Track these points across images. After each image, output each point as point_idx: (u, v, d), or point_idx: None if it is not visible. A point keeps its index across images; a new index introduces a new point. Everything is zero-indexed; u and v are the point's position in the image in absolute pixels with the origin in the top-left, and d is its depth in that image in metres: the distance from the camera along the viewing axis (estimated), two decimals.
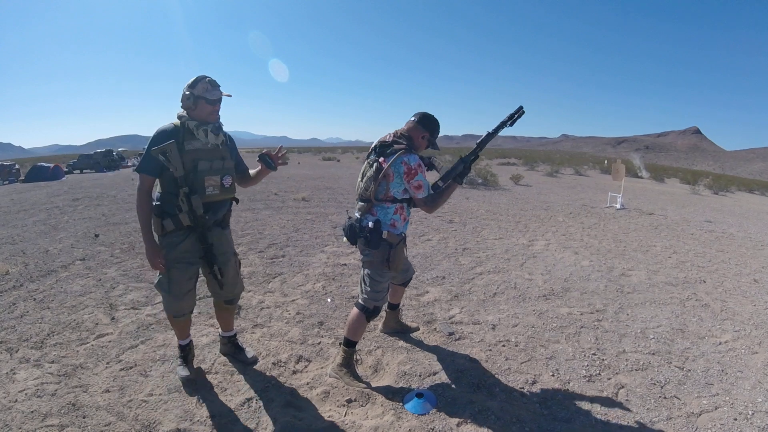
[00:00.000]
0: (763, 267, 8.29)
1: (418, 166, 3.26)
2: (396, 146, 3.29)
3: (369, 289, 3.45)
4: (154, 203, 3.23)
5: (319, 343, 4.12)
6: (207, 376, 3.55)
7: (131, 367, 3.64)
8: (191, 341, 3.63)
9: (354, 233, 3.35)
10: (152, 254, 3.17)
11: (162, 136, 3.09)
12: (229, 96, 3.22)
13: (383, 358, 3.89)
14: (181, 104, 3.18)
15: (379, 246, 3.29)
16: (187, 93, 3.11)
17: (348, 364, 3.53)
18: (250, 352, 3.83)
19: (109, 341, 4.06)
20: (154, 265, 3.20)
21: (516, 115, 3.40)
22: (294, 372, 3.64)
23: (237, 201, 3.55)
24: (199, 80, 3.11)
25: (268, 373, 3.60)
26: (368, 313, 3.47)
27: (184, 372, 3.48)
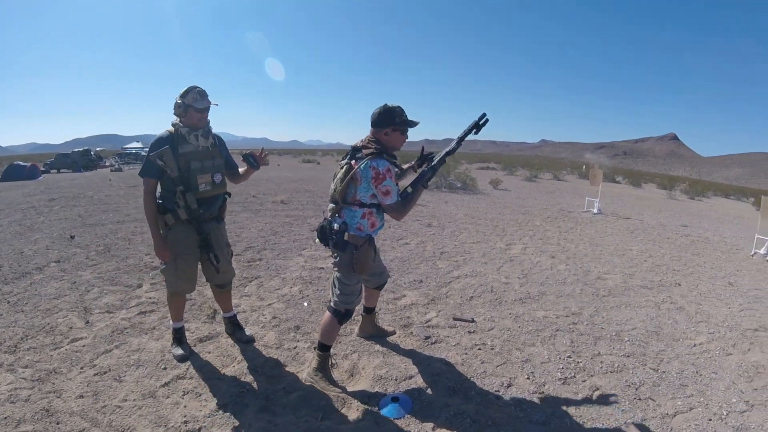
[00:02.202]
0: (737, 270, 8.45)
1: (387, 171, 3.19)
2: (365, 150, 3.27)
3: (338, 291, 3.44)
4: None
5: (295, 348, 4.10)
6: (181, 381, 3.52)
7: (105, 372, 3.59)
8: (183, 326, 4.06)
9: (324, 235, 3.36)
10: (160, 248, 3.62)
11: (159, 142, 3.51)
12: (216, 105, 3.62)
13: (359, 362, 3.89)
14: (173, 112, 3.61)
15: (345, 248, 3.29)
16: (179, 102, 3.54)
17: (323, 369, 3.53)
18: (247, 332, 4.28)
19: (84, 345, 4.01)
20: (162, 257, 3.66)
21: (480, 123, 3.37)
22: (269, 377, 3.61)
23: (229, 195, 4.00)
24: (189, 90, 3.52)
25: (243, 378, 3.57)
26: (340, 316, 3.47)
27: (178, 351, 3.89)
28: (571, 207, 16.39)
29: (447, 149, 3.49)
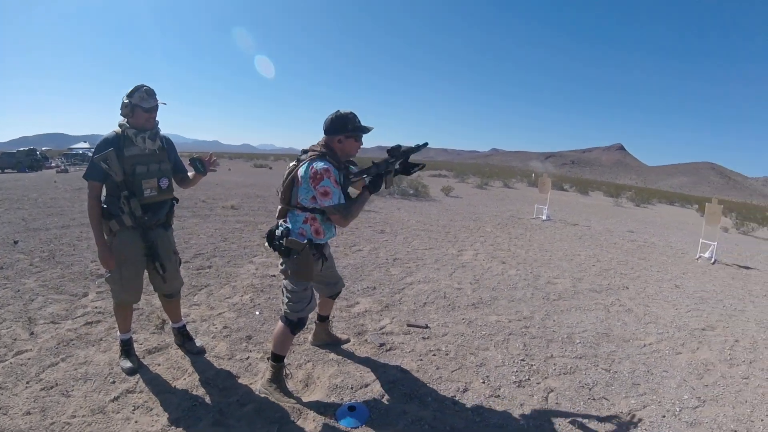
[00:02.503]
0: (683, 273, 8.74)
1: (325, 171, 3.09)
2: (310, 153, 3.23)
3: (287, 299, 3.37)
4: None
5: (248, 358, 3.99)
6: (131, 395, 3.36)
7: (52, 387, 3.39)
8: (131, 337, 3.89)
9: (271, 239, 3.31)
10: (104, 255, 3.46)
11: (104, 144, 3.37)
12: (164, 104, 3.53)
13: (314, 372, 3.82)
14: (120, 112, 3.45)
15: (289, 254, 3.24)
16: (126, 101, 3.40)
17: (277, 379, 3.44)
18: (198, 342, 4.14)
19: (29, 359, 3.77)
20: (106, 265, 3.50)
21: (420, 148, 3.30)
22: (222, 389, 3.49)
23: (177, 200, 3.86)
24: (136, 90, 3.39)
25: (194, 391, 3.44)
26: (292, 326, 3.38)
27: (127, 364, 3.70)
28: (521, 214, 16.70)
29: (392, 160, 3.35)
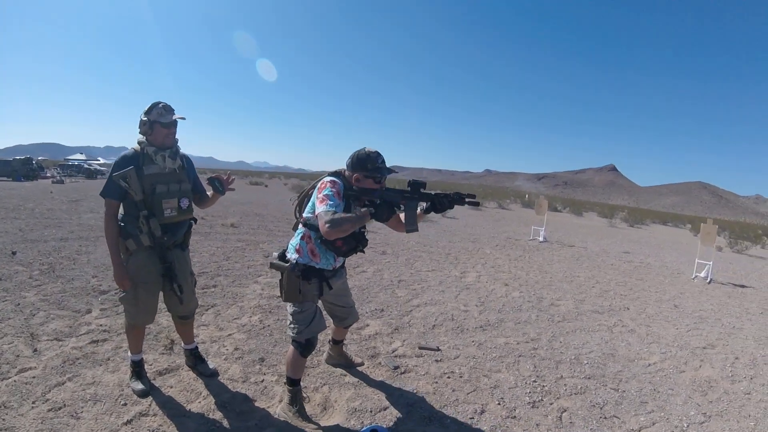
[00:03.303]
0: (681, 293, 8.82)
1: (332, 183, 3.14)
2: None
3: (289, 320, 3.36)
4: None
5: (263, 381, 3.96)
6: (145, 418, 3.30)
7: (60, 408, 3.31)
8: (143, 359, 3.80)
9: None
10: (120, 275, 3.38)
11: (123, 162, 3.32)
12: (183, 119, 3.47)
13: (331, 395, 3.80)
14: (138, 130, 3.42)
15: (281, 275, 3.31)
16: (144, 119, 3.35)
17: (296, 403, 3.42)
18: (210, 365, 4.05)
19: (33, 377, 3.68)
20: (122, 285, 3.42)
21: (466, 199, 3.16)
22: (239, 413, 3.45)
23: (195, 221, 3.81)
24: (154, 106, 3.35)
25: (211, 415, 3.40)
26: (302, 348, 3.35)
27: (138, 386, 3.61)
28: (518, 235, 16.80)
29: (415, 194, 3.25)
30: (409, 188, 3.26)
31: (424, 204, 3.25)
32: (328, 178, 3.21)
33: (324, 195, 3.07)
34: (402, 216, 3.34)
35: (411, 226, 3.25)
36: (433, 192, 3.25)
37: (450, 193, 3.15)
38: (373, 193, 3.26)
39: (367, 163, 3.26)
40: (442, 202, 3.17)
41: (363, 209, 3.14)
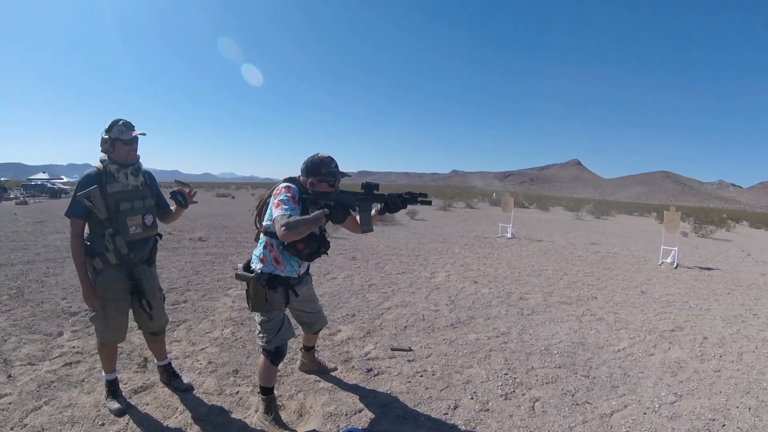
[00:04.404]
0: (648, 280, 9.05)
1: (287, 188, 3.21)
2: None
3: (258, 330, 3.40)
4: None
5: (237, 392, 3.98)
6: None
7: None
8: (117, 378, 3.78)
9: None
10: (89, 295, 3.39)
11: (86, 181, 3.32)
12: (144, 134, 3.48)
13: (306, 402, 3.83)
14: (100, 148, 3.43)
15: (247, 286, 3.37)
16: (105, 137, 3.38)
17: (271, 411, 3.44)
18: (185, 380, 4.05)
19: (10, 403, 3.64)
20: (91, 305, 3.43)
21: (418, 198, 3.24)
22: (216, 425, 3.47)
23: (161, 236, 3.85)
24: (114, 124, 3.38)
25: (188, 429, 3.40)
26: (272, 356, 3.38)
27: (114, 405, 3.61)
28: (486, 233, 16.98)
29: (366, 197, 3.32)
30: (362, 190, 3.34)
31: (379, 205, 3.35)
32: (283, 184, 3.28)
33: (279, 200, 3.14)
34: (358, 217, 3.42)
35: (366, 226, 3.34)
36: (386, 193, 3.34)
37: (402, 194, 3.25)
38: (329, 196, 3.33)
39: (320, 167, 3.33)
40: (395, 202, 3.26)
41: (318, 211, 3.15)
